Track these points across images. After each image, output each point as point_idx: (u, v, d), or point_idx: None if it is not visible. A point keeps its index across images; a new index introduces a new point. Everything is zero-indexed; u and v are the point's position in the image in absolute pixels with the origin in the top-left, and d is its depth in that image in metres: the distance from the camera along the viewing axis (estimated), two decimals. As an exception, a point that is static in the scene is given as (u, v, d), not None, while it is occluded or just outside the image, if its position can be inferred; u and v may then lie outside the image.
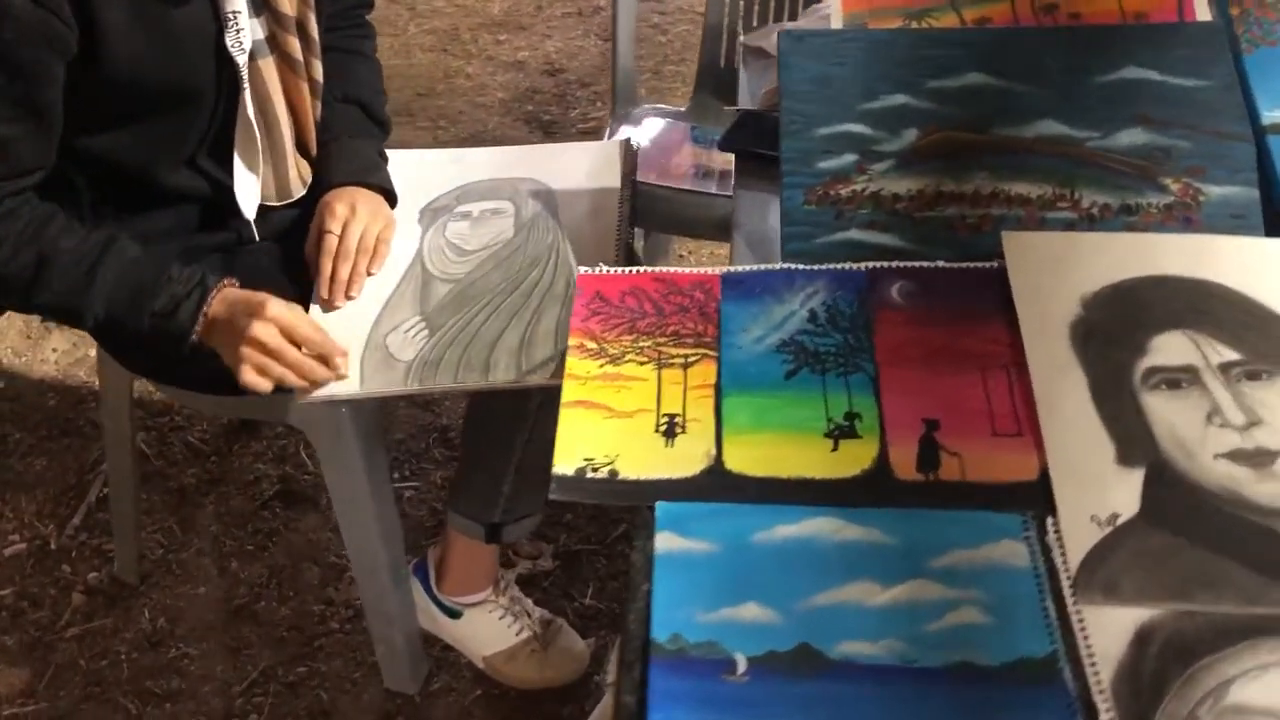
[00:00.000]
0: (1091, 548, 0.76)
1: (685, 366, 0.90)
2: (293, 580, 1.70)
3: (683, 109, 1.98)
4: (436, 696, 1.54)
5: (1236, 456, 0.81)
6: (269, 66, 1.16)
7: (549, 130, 2.95)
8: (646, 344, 0.92)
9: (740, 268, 0.98)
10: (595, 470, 0.83)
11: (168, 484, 1.85)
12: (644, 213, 1.75)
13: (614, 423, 0.86)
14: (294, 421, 1.34)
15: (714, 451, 0.83)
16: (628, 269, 0.99)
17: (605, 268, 0.99)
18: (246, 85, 1.15)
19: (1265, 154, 1.04)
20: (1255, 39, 1.13)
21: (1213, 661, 0.70)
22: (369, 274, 1.20)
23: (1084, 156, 1.05)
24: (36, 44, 1.00)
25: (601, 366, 0.90)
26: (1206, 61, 1.10)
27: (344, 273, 1.18)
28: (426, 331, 1.15)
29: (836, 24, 1.20)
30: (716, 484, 0.82)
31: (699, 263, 2.33)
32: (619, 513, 1.68)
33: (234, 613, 1.65)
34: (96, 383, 1.94)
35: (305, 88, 1.22)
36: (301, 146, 1.27)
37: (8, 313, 1.97)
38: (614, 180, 1.33)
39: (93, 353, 1.99)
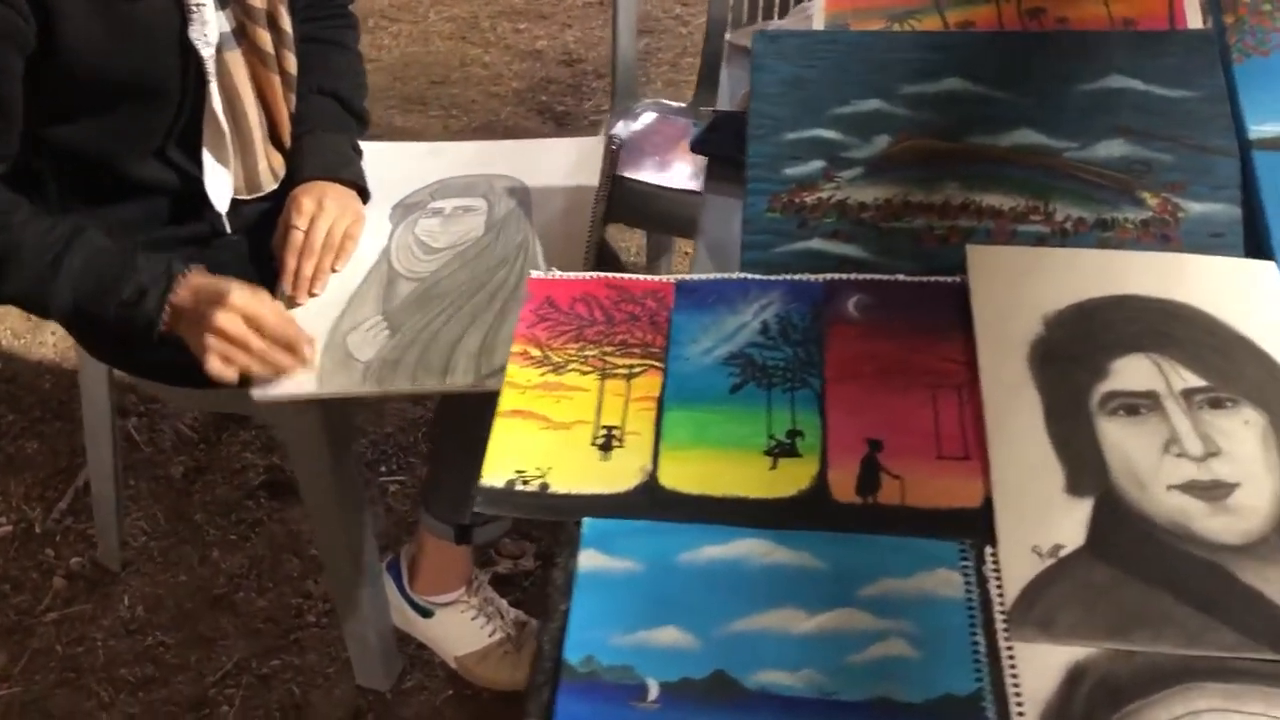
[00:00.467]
0: (1030, 580, 0.73)
1: (629, 377, 0.88)
2: (272, 571, 1.69)
3: (684, 105, 1.95)
4: (408, 695, 1.53)
5: (1190, 488, 0.77)
6: (236, 59, 1.15)
7: (561, 121, 2.93)
8: (592, 353, 0.90)
9: (696, 276, 0.96)
10: (526, 483, 0.81)
11: (155, 471, 1.85)
12: (641, 212, 1.73)
13: (549, 434, 0.84)
14: (263, 417, 1.33)
15: (649, 467, 0.81)
16: (581, 274, 0.97)
17: (557, 272, 0.97)
18: (213, 78, 1.13)
19: (1249, 170, 1.00)
20: (1248, 48, 1.08)
21: (1143, 706, 0.67)
22: (334, 270, 1.19)
23: (1060, 168, 1.02)
24: None
25: (543, 375, 0.88)
26: (1195, 71, 1.06)
27: (308, 269, 1.17)
28: (387, 331, 1.13)
29: (819, 24, 1.17)
30: (649, 501, 0.79)
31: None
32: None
33: (212, 602, 1.65)
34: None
35: (277, 80, 1.21)
36: (275, 139, 1.26)
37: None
38: (592, 178, 1.30)
39: (88, 337, 2.00)
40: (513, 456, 0.82)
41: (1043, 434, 0.81)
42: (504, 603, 1.54)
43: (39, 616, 1.63)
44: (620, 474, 0.81)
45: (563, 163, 1.34)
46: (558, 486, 0.80)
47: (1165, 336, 0.86)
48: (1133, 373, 0.84)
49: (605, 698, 0.69)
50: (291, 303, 1.17)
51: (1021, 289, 0.91)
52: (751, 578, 0.74)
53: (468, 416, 1.32)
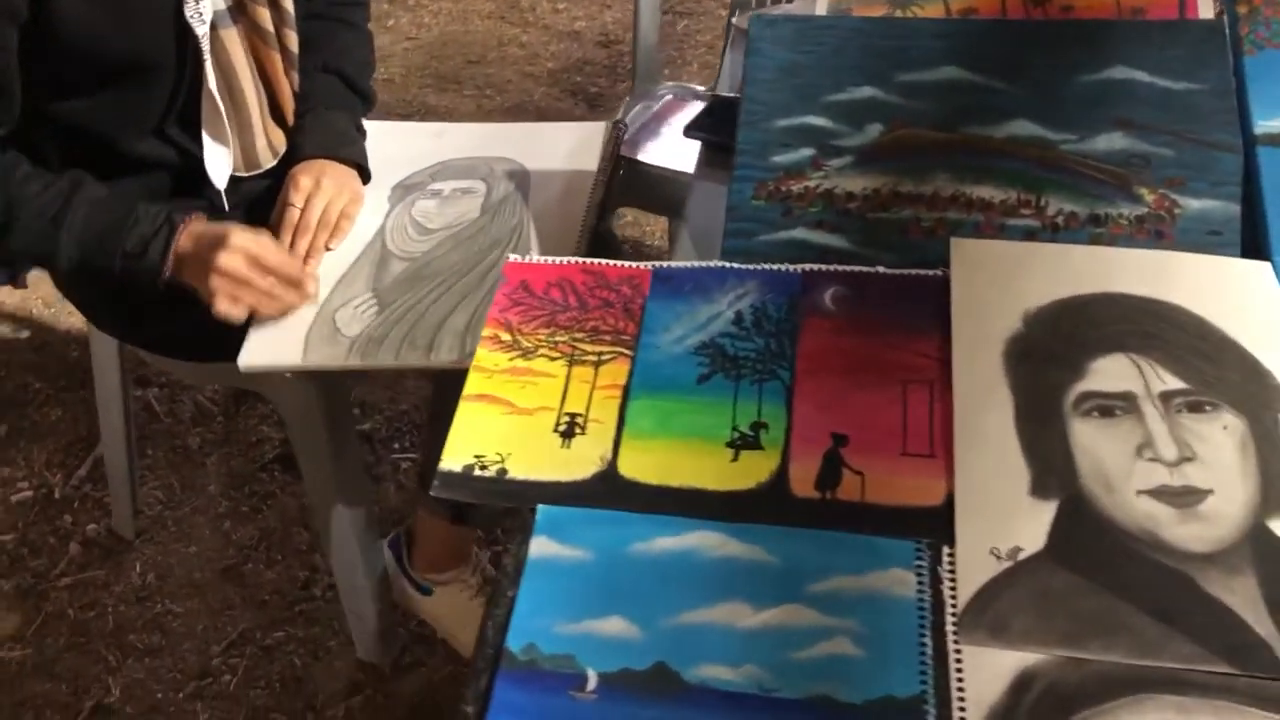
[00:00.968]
0: (985, 583, 0.72)
1: (597, 365, 0.87)
2: (282, 544, 1.71)
3: (704, 88, 1.93)
4: (407, 671, 1.54)
5: (1161, 494, 0.75)
6: (232, 37, 1.15)
7: (594, 103, 2.92)
8: (562, 339, 0.89)
9: (673, 264, 0.95)
10: (484, 468, 0.81)
11: (174, 442, 1.88)
12: (653, 196, 1.72)
13: (512, 420, 0.84)
14: (264, 392, 1.34)
15: (609, 456, 0.81)
16: (559, 259, 0.96)
17: (535, 256, 0.97)
18: (208, 56, 1.14)
19: (1253, 166, 0.97)
20: (1261, 40, 1.05)
21: (1091, 715, 0.66)
22: (328, 249, 1.19)
23: (1056, 161, 0.99)
24: None
25: (511, 360, 0.88)
26: (1202, 63, 1.02)
27: (301, 247, 1.17)
28: (376, 308, 1.13)
29: (821, 8, 1.15)
30: (606, 490, 0.79)
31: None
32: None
33: (222, 573, 1.68)
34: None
35: (277, 57, 1.21)
36: (278, 116, 1.27)
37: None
38: (592, 163, 1.30)
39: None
40: (473, 441, 0.82)
41: (1011, 433, 0.79)
42: (504, 583, 1.54)
43: (53, 581, 1.67)
44: (579, 462, 0.80)
45: (565, 146, 1.33)
46: (516, 472, 0.80)
47: (1150, 337, 0.84)
48: (1111, 373, 0.82)
49: (543, 687, 0.68)
50: (286, 279, 1.17)
51: (1003, 284, 0.89)
52: (701, 570, 0.74)
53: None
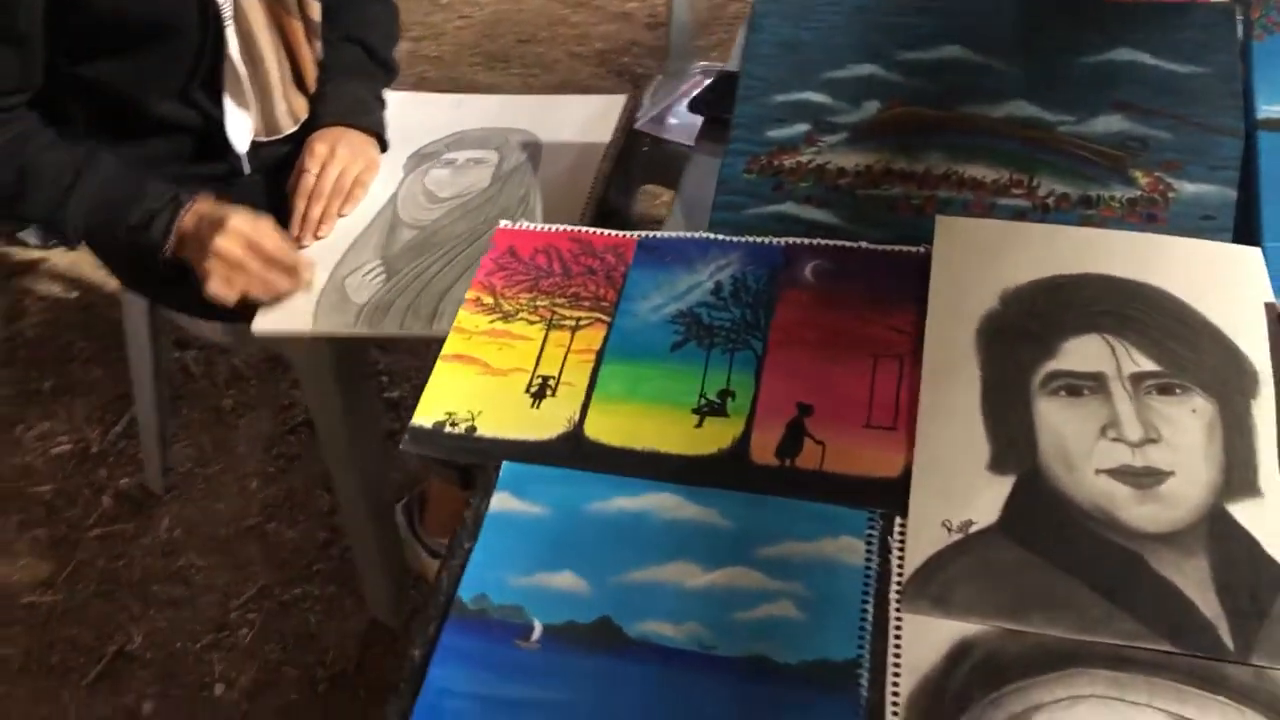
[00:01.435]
0: (934, 554, 0.72)
1: (575, 329, 0.89)
2: (304, 505, 1.76)
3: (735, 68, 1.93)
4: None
5: (1121, 473, 0.75)
6: (253, 4, 1.18)
7: (638, 84, 2.92)
8: (543, 303, 0.91)
9: (660, 234, 0.96)
10: (454, 425, 0.83)
11: (207, 403, 1.94)
12: (676, 174, 1.72)
13: (486, 380, 0.86)
14: (283, 352, 1.37)
15: (576, 418, 0.82)
16: (547, 226, 0.98)
17: (526, 223, 0.98)
18: (229, 23, 1.17)
19: (1252, 151, 0.96)
20: (1271, 25, 1.03)
21: (1025, 686, 0.66)
22: (340, 215, 1.22)
23: (1050, 142, 0.99)
24: None
25: (491, 322, 0.90)
26: (1209, 47, 1.01)
27: (315, 213, 1.20)
28: (384, 275, 1.16)
29: (830, -14, 1.15)
30: (570, 450, 0.81)
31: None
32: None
33: (245, 531, 1.73)
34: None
35: (299, 26, 1.24)
36: (301, 84, 1.30)
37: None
38: (606, 136, 1.31)
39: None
40: (447, 399, 0.84)
41: (976, 409, 0.79)
42: (513, 551, 1.57)
43: (86, 531, 1.73)
44: (547, 422, 0.82)
45: (579, 119, 1.34)
46: (485, 430, 0.82)
47: (1127, 319, 0.83)
48: (1082, 353, 0.82)
49: (490, 635, 0.71)
50: (298, 244, 1.20)
51: (984, 262, 0.89)
52: (655, 531, 0.75)
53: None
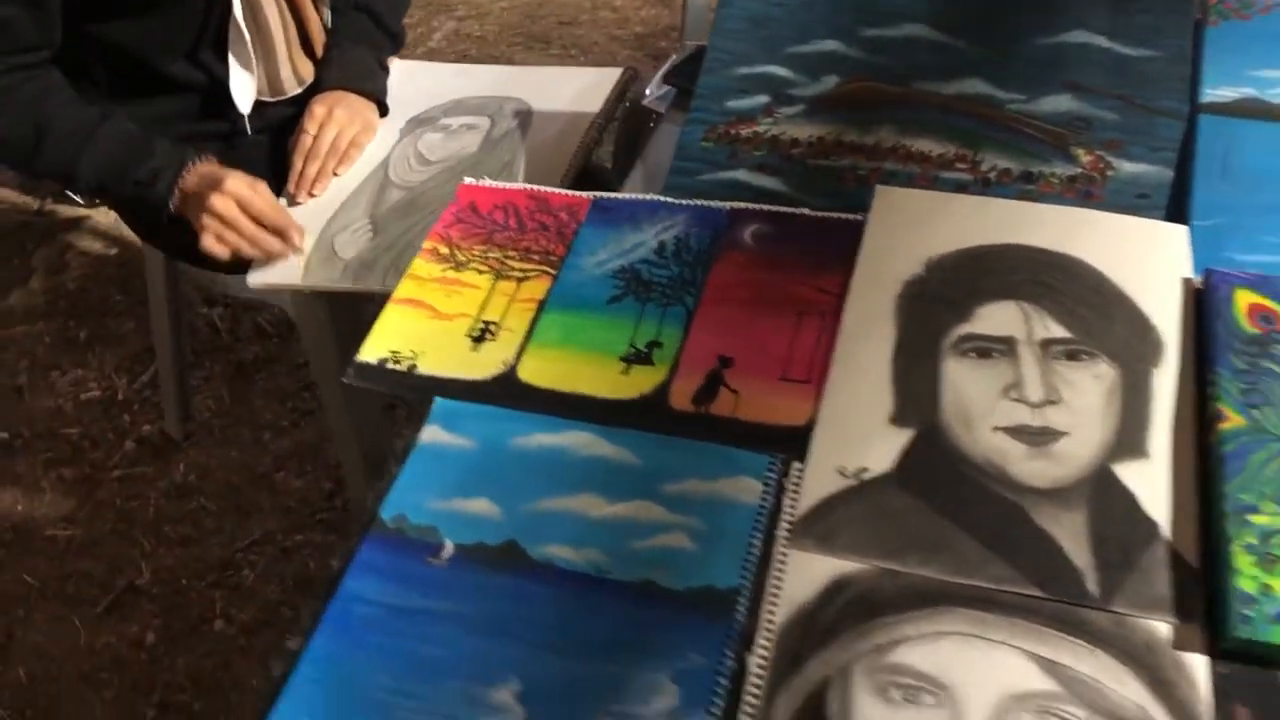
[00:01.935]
0: (826, 496, 0.76)
1: (521, 280, 0.94)
2: (313, 458, 1.84)
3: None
4: (409, 581, 1.64)
5: (1018, 432, 0.78)
6: (258, -31, 1.25)
7: (668, 66, 2.97)
8: (495, 255, 0.96)
9: (613, 195, 1.01)
10: (397, 362, 0.88)
11: (230, 356, 2.02)
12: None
13: (431, 323, 0.91)
14: (283, 305, 1.44)
15: (512, 360, 0.87)
16: (508, 184, 1.03)
17: (490, 180, 1.04)
18: (235, -14, 1.24)
19: (1192, 133, 0.98)
20: (1228, 10, 1.05)
21: (895, 621, 0.70)
22: (335, 175, 1.28)
23: (998, 119, 1.02)
24: None
25: (444, 271, 0.95)
26: (1163, 31, 1.04)
27: (311, 171, 1.27)
28: (371, 233, 1.22)
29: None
30: (504, 390, 0.86)
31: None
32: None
33: (255, 479, 1.81)
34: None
35: (305, -9, 1.31)
36: (308, 48, 1.36)
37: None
38: (596, 106, 1.35)
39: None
40: (392, 338, 0.90)
41: (886, 366, 0.83)
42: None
43: (108, 472, 1.83)
44: (484, 363, 0.87)
45: (575, 90, 1.39)
46: (425, 369, 0.88)
47: (1044, 288, 0.86)
48: (996, 318, 0.85)
49: (404, 552, 0.76)
50: (292, 201, 1.27)
51: (915, 231, 0.92)
52: (569, 465, 0.80)
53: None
